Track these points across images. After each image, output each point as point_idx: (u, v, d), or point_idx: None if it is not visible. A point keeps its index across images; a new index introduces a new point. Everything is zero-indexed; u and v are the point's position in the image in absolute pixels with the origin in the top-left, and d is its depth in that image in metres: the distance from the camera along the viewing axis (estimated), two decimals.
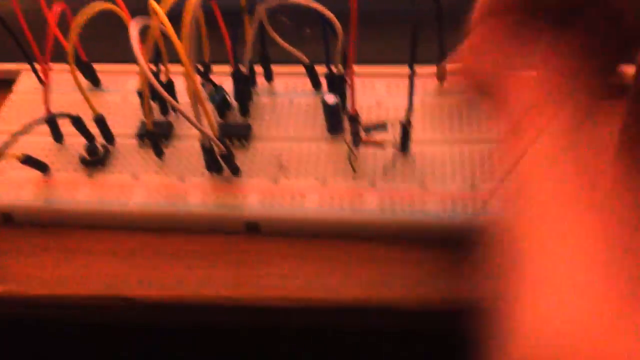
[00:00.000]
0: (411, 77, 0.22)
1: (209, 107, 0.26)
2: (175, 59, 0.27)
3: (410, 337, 0.26)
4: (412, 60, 0.22)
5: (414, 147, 0.25)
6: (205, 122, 0.24)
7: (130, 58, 0.31)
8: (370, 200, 0.24)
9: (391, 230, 0.24)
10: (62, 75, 0.29)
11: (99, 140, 0.27)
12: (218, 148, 0.25)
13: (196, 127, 0.23)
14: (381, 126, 0.24)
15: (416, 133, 0.25)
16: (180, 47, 0.22)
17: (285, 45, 0.27)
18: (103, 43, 0.32)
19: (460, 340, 0.27)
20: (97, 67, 0.30)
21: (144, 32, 0.24)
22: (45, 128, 0.27)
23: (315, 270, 0.23)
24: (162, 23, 0.23)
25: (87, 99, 0.26)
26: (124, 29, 0.25)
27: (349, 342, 0.27)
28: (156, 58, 0.27)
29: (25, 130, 0.25)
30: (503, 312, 0.16)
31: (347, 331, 0.25)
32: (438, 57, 0.26)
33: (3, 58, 0.31)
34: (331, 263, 0.24)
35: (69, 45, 0.25)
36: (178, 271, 0.24)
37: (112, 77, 0.30)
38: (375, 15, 0.32)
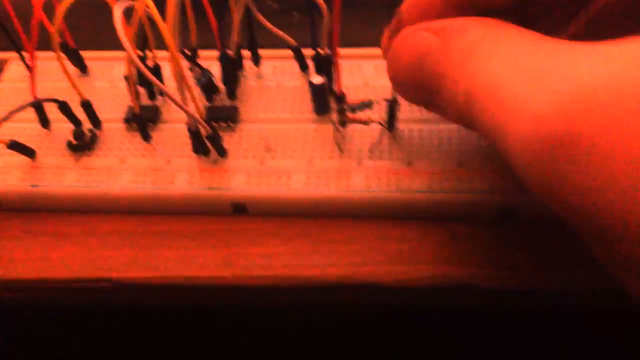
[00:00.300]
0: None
1: (196, 90, 0.27)
2: (162, 46, 0.27)
3: (397, 314, 0.26)
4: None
5: (401, 126, 0.25)
6: (191, 104, 0.24)
7: (119, 45, 0.31)
8: (357, 178, 0.24)
9: (377, 208, 0.24)
10: (51, 63, 0.29)
11: (86, 125, 0.27)
12: (204, 130, 0.24)
13: (182, 108, 0.23)
14: (366, 104, 0.24)
15: (403, 112, 0.25)
16: (164, 27, 0.22)
17: (273, 28, 0.27)
18: (91, 30, 0.32)
19: (446, 316, 0.27)
20: (85, 54, 0.30)
21: (130, 17, 0.25)
22: (32, 114, 0.27)
23: (302, 248, 0.23)
24: (146, 6, 0.23)
25: (73, 84, 0.26)
26: (110, 18, 0.25)
27: (336, 319, 0.27)
28: (143, 43, 0.27)
29: (11, 115, 0.25)
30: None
31: (334, 308, 0.25)
32: None
33: None
34: (318, 241, 0.23)
35: (54, 29, 0.25)
36: (165, 252, 0.24)
37: (100, 63, 0.30)
38: None
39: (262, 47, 0.29)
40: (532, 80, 0.15)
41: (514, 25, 0.18)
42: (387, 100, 0.24)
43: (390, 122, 0.25)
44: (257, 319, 0.27)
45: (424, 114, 0.26)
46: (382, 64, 0.27)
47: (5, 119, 0.25)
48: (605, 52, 0.14)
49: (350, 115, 0.24)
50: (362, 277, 0.22)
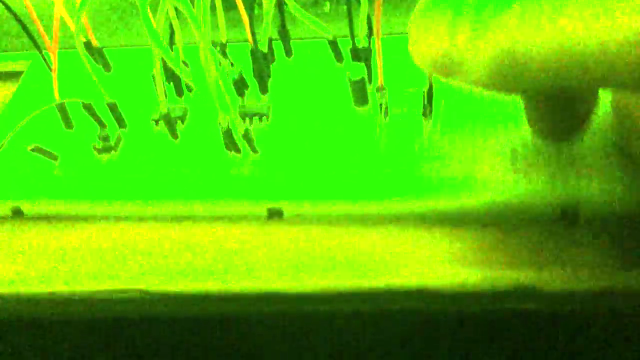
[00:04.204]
0: None
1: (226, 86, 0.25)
2: (187, 41, 0.25)
3: (450, 320, 0.25)
4: None
5: (448, 120, 0.23)
6: (223, 101, 0.22)
7: (139, 41, 0.30)
8: (402, 179, 0.22)
9: (426, 212, 0.22)
10: (72, 63, 0.28)
11: (111, 125, 0.25)
12: (237, 126, 0.23)
13: (215, 104, 0.22)
14: (412, 92, 0.22)
15: (450, 104, 0.24)
16: (194, 19, 0.21)
17: (308, 19, 0.25)
18: (110, 27, 0.31)
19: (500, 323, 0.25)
20: (107, 53, 0.28)
21: (154, 11, 0.23)
22: (55, 116, 0.26)
23: (342, 255, 0.22)
24: None
25: (98, 84, 0.24)
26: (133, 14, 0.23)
27: (382, 327, 0.25)
28: (170, 39, 0.26)
29: (33, 117, 0.23)
30: None
31: (380, 317, 0.23)
32: None
33: (11, 49, 0.30)
34: (360, 249, 0.22)
35: (77, 26, 0.23)
36: (198, 262, 0.22)
37: (124, 62, 0.28)
38: None
39: (294, 38, 0.27)
40: None
41: None
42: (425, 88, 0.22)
43: (429, 110, 0.23)
44: (292, 326, 0.26)
45: (474, 105, 0.24)
46: None
47: (26, 120, 0.23)
48: None
49: (395, 108, 0.22)
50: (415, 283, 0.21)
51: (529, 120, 0.19)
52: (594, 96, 0.19)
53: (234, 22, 0.27)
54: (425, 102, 0.23)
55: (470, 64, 0.16)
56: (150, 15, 0.24)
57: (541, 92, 0.18)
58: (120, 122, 0.25)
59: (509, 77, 0.15)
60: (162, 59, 0.23)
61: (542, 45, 0.15)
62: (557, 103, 0.18)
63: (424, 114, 0.23)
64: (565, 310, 0.22)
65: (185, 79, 0.21)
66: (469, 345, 0.26)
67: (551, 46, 0.15)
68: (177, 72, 0.21)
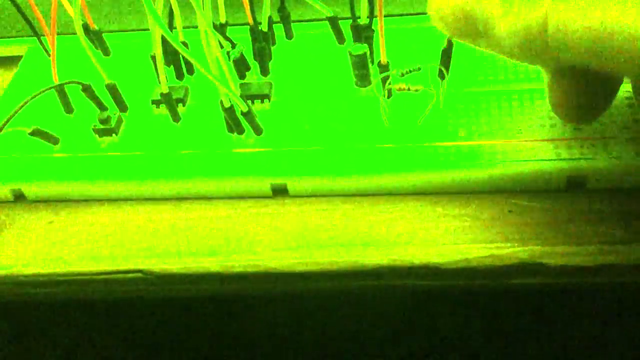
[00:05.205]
0: None
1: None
2: (187, 24, 0.25)
3: (452, 297, 0.25)
4: None
5: (452, 94, 0.23)
6: (224, 80, 0.22)
7: (138, 25, 0.30)
8: (406, 154, 0.22)
9: (431, 184, 0.22)
10: (69, 48, 0.28)
11: (112, 109, 0.25)
12: (239, 106, 0.23)
13: (216, 83, 0.22)
14: (415, 70, 0.22)
15: (453, 79, 0.23)
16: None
17: None
18: (110, 13, 0.30)
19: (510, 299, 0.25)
20: (106, 36, 0.28)
21: None
22: (54, 100, 0.25)
23: (346, 230, 0.22)
24: None
25: (97, 65, 0.24)
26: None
27: (385, 303, 0.25)
28: (169, 22, 0.25)
29: (32, 102, 0.23)
30: None
31: (381, 293, 0.23)
32: None
33: (8, 34, 0.30)
34: (363, 222, 0.22)
35: (76, 10, 0.23)
36: (200, 242, 0.22)
37: (122, 46, 0.28)
38: None
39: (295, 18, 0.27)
40: None
41: None
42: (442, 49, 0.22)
43: (446, 69, 0.22)
44: (297, 304, 0.26)
45: (475, 79, 0.24)
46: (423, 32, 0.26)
47: (25, 103, 0.23)
48: None
49: (399, 84, 0.22)
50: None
51: (550, 99, 0.19)
52: (619, 81, 0.19)
53: (234, 7, 0.27)
54: (442, 64, 0.22)
55: (499, 30, 0.16)
56: None
57: (567, 69, 0.18)
58: (121, 105, 0.25)
59: (539, 50, 0.15)
60: (162, 40, 0.23)
61: (574, 27, 0.15)
62: (582, 84, 0.18)
63: (440, 76, 0.23)
64: (570, 284, 0.22)
65: (186, 55, 0.21)
66: (473, 320, 0.26)
67: (582, 29, 0.15)
68: (177, 48, 0.21)
